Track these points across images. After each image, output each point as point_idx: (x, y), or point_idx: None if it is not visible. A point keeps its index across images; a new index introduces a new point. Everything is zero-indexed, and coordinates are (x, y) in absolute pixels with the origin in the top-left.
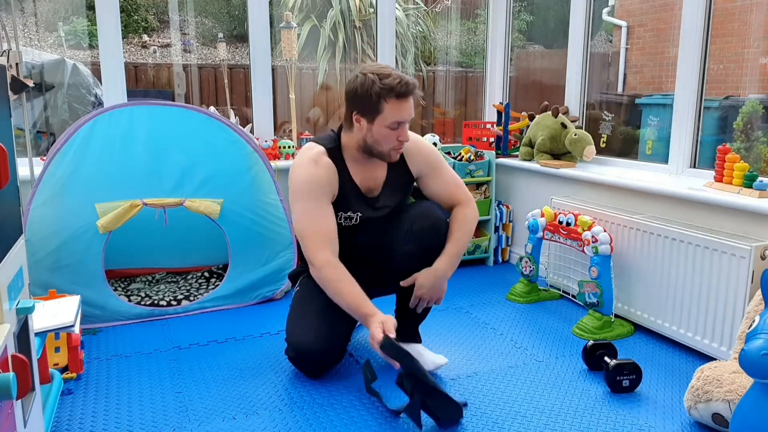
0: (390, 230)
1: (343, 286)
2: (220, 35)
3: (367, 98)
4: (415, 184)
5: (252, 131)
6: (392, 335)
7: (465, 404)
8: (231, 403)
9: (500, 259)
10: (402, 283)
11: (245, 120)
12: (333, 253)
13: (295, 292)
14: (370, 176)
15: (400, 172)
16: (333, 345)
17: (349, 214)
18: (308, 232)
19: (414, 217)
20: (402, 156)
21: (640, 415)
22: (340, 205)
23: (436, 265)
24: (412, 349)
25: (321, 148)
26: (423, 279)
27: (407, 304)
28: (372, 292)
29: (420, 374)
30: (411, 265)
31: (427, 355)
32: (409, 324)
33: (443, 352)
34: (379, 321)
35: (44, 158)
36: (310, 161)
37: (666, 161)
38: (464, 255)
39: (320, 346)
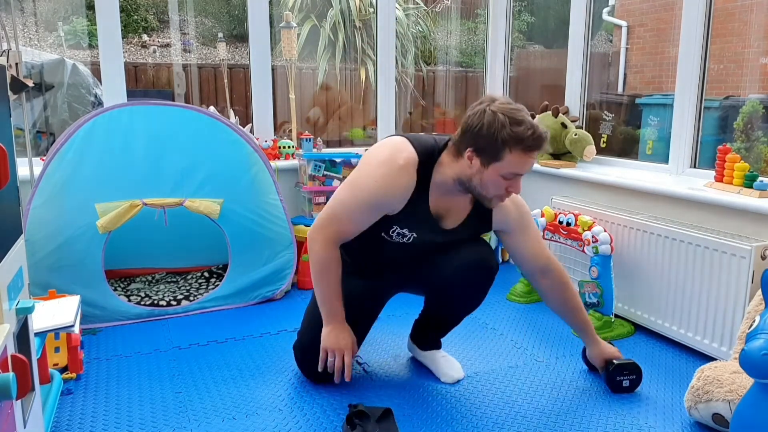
0: (439, 254)
1: (327, 282)
2: (220, 35)
3: (490, 141)
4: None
5: (252, 131)
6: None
7: None
8: (231, 404)
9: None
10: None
11: (245, 116)
12: (336, 249)
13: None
14: (450, 208)
15: (481, 218)
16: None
17: (404, 231)
18: (335, 221)
19: (468, 253)
20: (491, 210)
21: (640, 415)
22: (396, 221)
23: (601, 344)
24: (433, 356)
25: (414, 157)
26: (611, 351)
27: (432, 315)
28: (398, 288)
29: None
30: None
31: (445, 366)
32: (434, 334)
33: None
34: (351, 337)
35: (44, 158)
36: (397, 169)
37: (666, 161)
38: None
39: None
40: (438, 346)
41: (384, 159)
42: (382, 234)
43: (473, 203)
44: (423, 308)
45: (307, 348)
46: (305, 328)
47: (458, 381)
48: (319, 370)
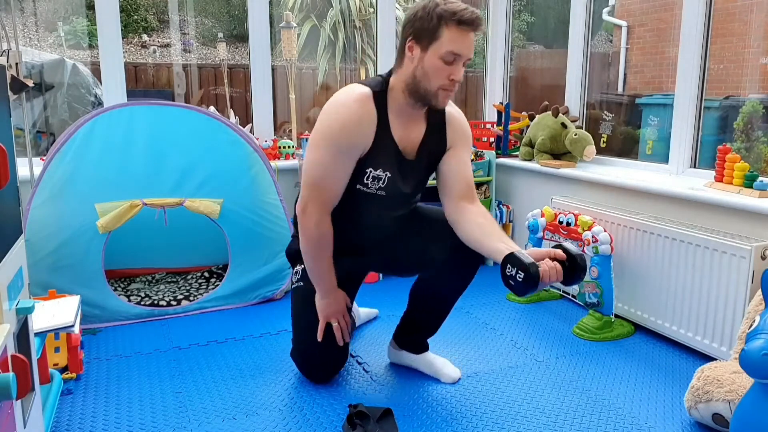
0: (421, 228)
1: (323, 258)
2: (220, 35)
3: (426, 20)
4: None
5: (252, 131)
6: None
7: None
8: (231, 403)
9: None
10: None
11: (244, 114)
12: (329, 220)
13: (298, 289)
14: (409, 133)
15: (438, 137)
16: (342, 352)
17: (378, 173)
18: (319, 185)
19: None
20: (444, 120)
21: (640, 415)
22: (370, 160)
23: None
24: (426, 359)
25: (367, 90)
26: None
27: (416, 318)
28: (379, 266)
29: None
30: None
31: (443, 367)
32: (420, 337)
33: (443, 352)
34: (344, 297)
35: (44, 158)
36: (352, 102)
37: (666, 161)
38: None
39: (331, 354)
40: (427, 348)
41: (340, 102)
42: (358, 186)
43: (427, 120)
44: (408, 308)
45: (308, 352)
46: (301, 332)
47: (458, 380)
48: (319, 339)
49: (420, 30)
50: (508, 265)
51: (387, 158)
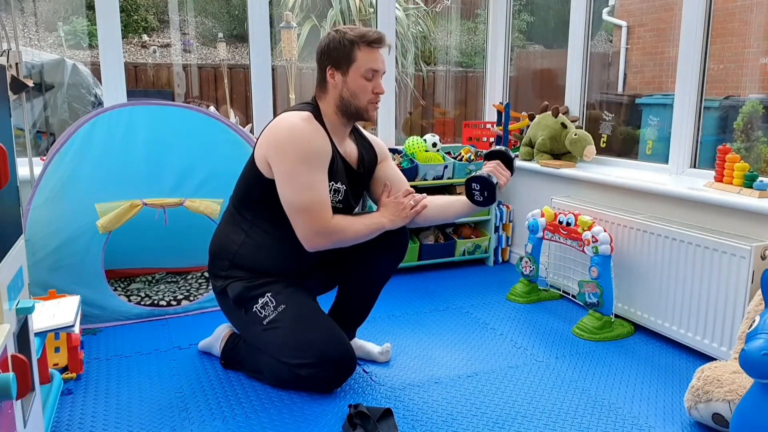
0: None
1: (359, 221)
2: (220, 35)
3: (340, 48)
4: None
5: (252, 131)
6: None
7: None
8: (231, 403)
9: (500, 259)
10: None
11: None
12: (331, 215)
13: (284, 314)
14: (347, 149)
15: (369, 150)
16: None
17: (338, 185)
18: (315, 210)
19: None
20: (366, 139)
21: (640, 415)
22: (331, 174)
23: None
24: (357, 344)
25: (307, 114)
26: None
27: (346, 310)
28: (321, 289)
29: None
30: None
31: (375, 349)
32: (352, 327)
33: (443, 352)
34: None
35: (44, 158)
36: (306, 123)
37: (666, 161)
38: (464, 255)
39: (349, 349)
40: (354, 336)
41: (295, 126)
42: None
43: (355, 141)
44: (337, 301)
45: (327, 358)
46: (311, 341)
47: (390, 356)
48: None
49: (336, 58)
50: (473, 184)
51: (341, 171)
